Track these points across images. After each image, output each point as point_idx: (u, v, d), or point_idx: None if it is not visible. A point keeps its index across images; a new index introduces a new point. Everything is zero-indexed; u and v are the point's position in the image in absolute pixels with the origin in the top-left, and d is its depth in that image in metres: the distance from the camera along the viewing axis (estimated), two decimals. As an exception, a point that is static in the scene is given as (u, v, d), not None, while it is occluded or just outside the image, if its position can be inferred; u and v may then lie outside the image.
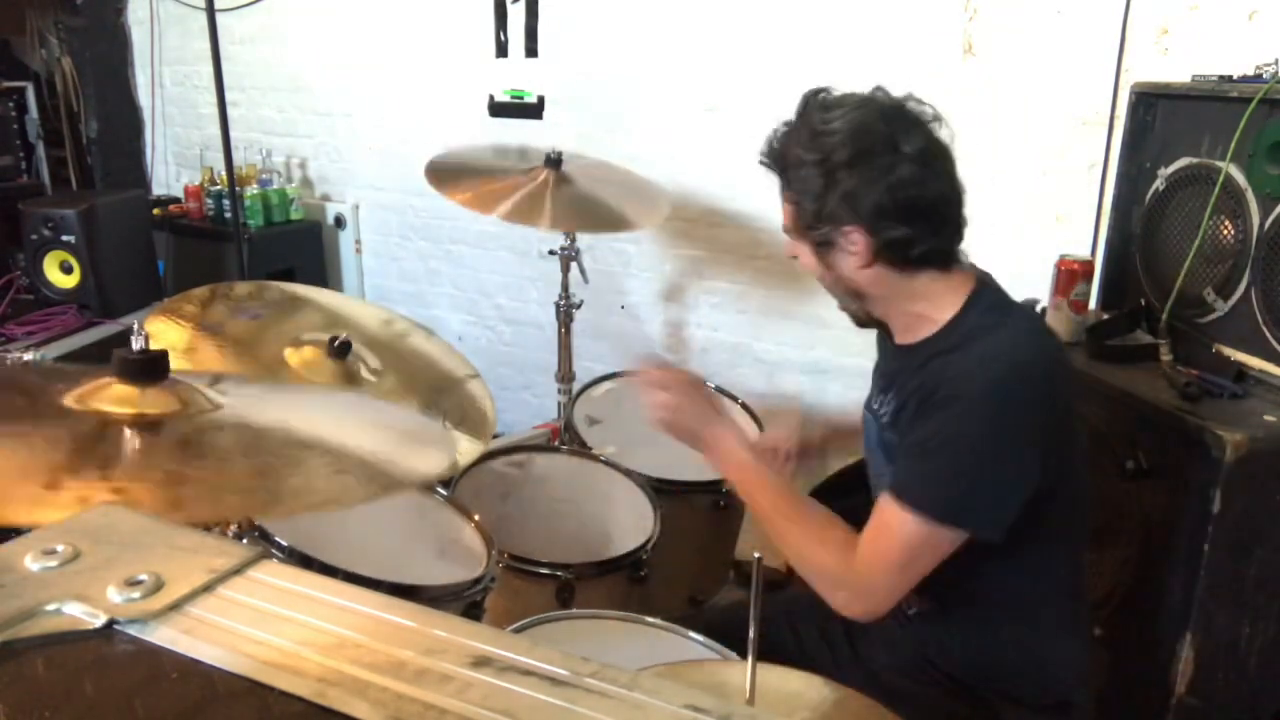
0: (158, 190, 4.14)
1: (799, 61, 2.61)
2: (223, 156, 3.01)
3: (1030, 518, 1.27)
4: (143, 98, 4.14)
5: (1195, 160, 1.80)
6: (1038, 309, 2.01)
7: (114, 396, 0.94)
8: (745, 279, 2.89)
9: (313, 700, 0.42)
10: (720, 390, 2.39)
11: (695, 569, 2.15)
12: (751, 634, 0.93)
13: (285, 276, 3.20)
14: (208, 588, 0.50)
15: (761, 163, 1.37)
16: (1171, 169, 1.86)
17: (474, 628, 0.48)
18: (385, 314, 2.02)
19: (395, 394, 1.72)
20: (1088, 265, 1.99)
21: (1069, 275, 1.96)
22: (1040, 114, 2.33)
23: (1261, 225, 1.65)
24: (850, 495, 1.61)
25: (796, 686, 1.18)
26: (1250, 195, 1.67)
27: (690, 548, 2.07)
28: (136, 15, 4.04)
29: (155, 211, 3.61)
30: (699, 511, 2.07)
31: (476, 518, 1.64)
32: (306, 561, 1.32)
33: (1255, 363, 1.68)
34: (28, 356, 2.12)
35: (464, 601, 1.42)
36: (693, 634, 1.47)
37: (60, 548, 0.52)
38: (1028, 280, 2.04)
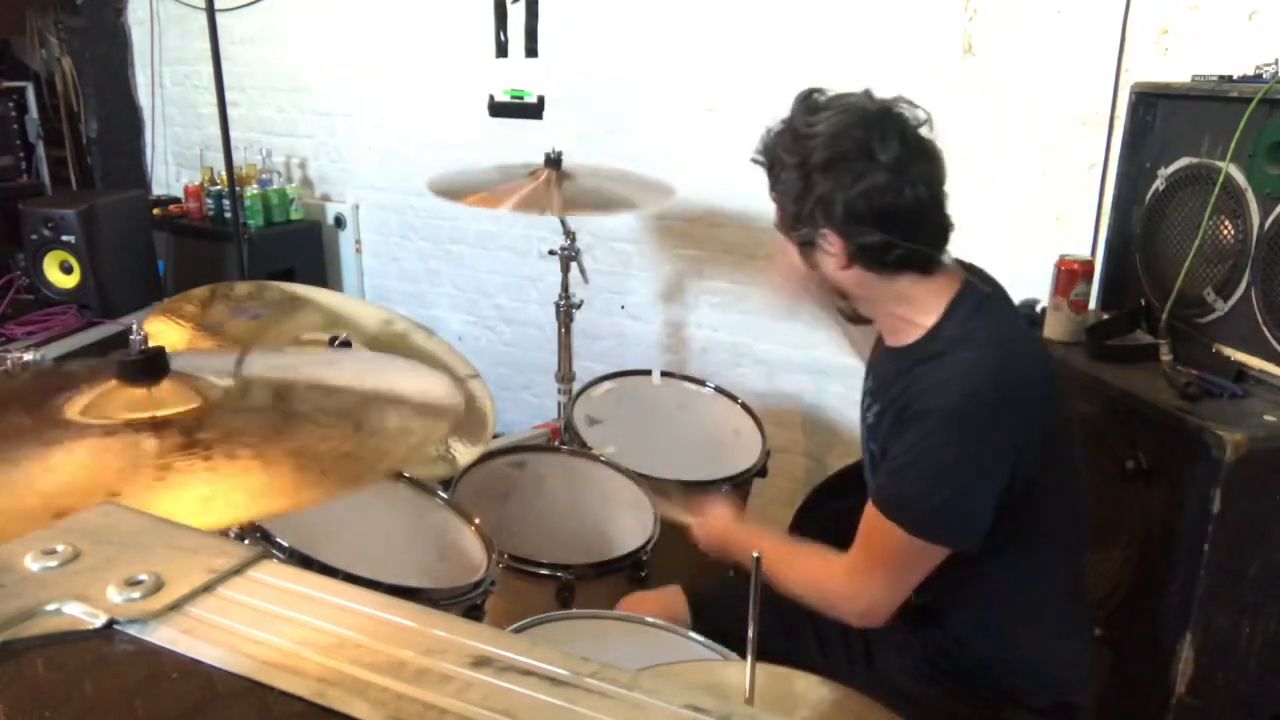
0: (158, 190, 4.14)
1: (799, 61, 2.61)
2: (223, 156, 3.01)
3: (1028, 520, 1.28)
4: (143, 98, 4.14)
5: (1195, 160, 1.80)
6: (1038, 309, 2.01)
7: (169, 394, 0.97)
8: (745, 279, 2.89)
9: (313, 700, 0.42)
10: (720, 390, 2.39)
11: (695, 569, 2.15)
12: (751, 634, 0.93)
13: (285, 276, 3.20)
14: (208, 588, 0.50)
15: (754, 160, 1.38)
16: (1171, 169, 1.86)
17: (474, 628, 0.48)
18: (385, 314, 2.02)
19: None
20: (1088, 265, 1.99)
21: (1069, 275, 1.96)
22: (1040, 114, 2.33)
23: (1261, 225, 1.65)
24: (850, 495, 1.61)
25: (796, 687, 1.18)
26: (1250, 195, 1.67)
27: (690, 548, 2.07)
28: (136, 15, 4.04)
29: (155, 211, 3.60)
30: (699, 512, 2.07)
31: (476, 521, 1.64)
32: (306, 562, 1.32)
33: (1255, 363, 1.68)
34: (28, 356, 2.12)
35: (464, 605, 1.42)
36: (692, 634, 1.47)
37: (60, 548, 0.52)
38: (1028, 280, 2.05)
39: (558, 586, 1.67)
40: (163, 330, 1.66)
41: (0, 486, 0.83)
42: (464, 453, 1.93)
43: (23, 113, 3.74)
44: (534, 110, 3.14)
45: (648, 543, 1.79)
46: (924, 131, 1.29)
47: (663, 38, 2.86)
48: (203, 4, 2.93)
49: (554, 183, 2.36)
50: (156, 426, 0.93)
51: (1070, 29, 2.25)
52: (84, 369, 1.07)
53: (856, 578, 1.32)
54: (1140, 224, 1.95)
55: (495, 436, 2.05)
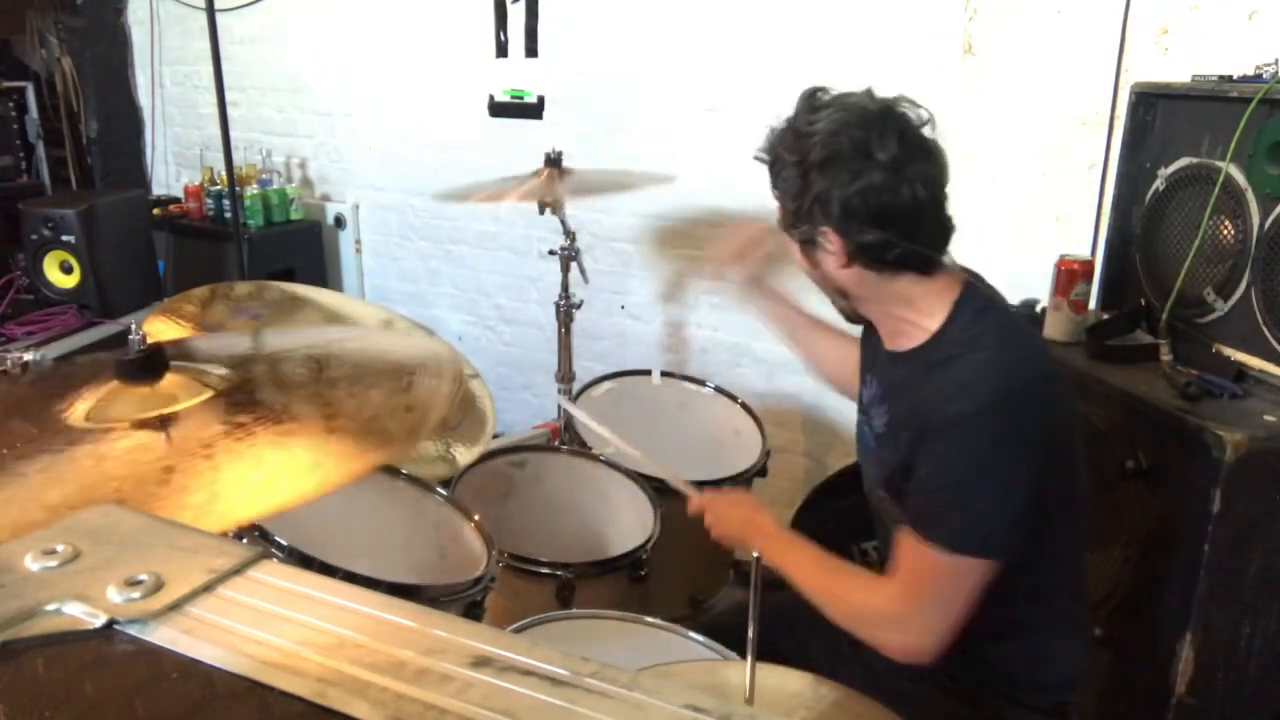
0: (158, 190, 4.14)
1: (799, 61, 2.61)
2: (223, 156, 3.01)
3: (1032, 521, 1.28)
4: (143, 98, 4.14)
5: (1195, 160, 1.80)
6: (1038, 309, 2.01)
7: (178, 388, 0.98)
8: (745, 279, 2.89)
9: (313, 700, 0.42)
10: (720, 391, 2.39)
11: (695, 569, 2.15)
12: (751, 634, 0.93)
13: (285, 276, 3.20)
14: (208, 588, 0.50)
15: (757, 158, 1.38)
16: (1171, 169, 1.86)
17: (474, 628, 0.48)
18: (385, 314, 2.02)
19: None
20: (1088, 265, 1.99)
21: (1069, 275, 1.96)
22: (1040, 114, 2.33)
23: (1261, 225, 1.65)
24: (850, 495, 1.62)
25: (796, 687, 1.18)
26: (1250, 195, 1.67)
27: (690, 548, 2.07)
28: (136, 15, 4.04)
29: (155, 211, 3.60)
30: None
31: (476, 518, 1.64)
32: (306, 561, 1.32)
33: (1255, 363, 1.68)
34: (28, 356, 2.12)
35: (464, 601, 1.42)
36: (693, 634, 1.47)
37: (60, 548, 0.52)
38: (1028, 280, 2.05)
39: (558, 586, 1.67)
40: (163, 330, 1.66)
41: (7, 500, 0.83)
42: (464, 453, 1.93)
43: (23, 113, 3.74)
44: (534, 110, 3.14)
45: (648, 542, 1.79)
46: (926, 131, 1.28)
47: (663, 38, 2.86)
48: (203, 4, 2.93)
49: (556, 180, 2.36)
50: (169, 421, 0.93)
51: (1070, 29, 2.25)
52: (84, 369, 1.07)
53: (901, 610, 1.26)
54: (1140, 224, 1.95)
55: (495, 436, 2.05)
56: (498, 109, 3.21)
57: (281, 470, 0.86)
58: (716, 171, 2.81)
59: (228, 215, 3.30)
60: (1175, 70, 2.02)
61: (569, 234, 2.53)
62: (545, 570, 1.68)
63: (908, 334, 1.35)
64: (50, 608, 0.47)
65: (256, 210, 3.52)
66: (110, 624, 0.47)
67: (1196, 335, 1.79)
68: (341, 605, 0.49)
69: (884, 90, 1.33)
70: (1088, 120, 2.27)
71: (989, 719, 1.38)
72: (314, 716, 0.41)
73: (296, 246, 3.65)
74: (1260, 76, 1.72)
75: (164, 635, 0.46)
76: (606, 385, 2.35)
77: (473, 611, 1.46)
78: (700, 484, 2.06)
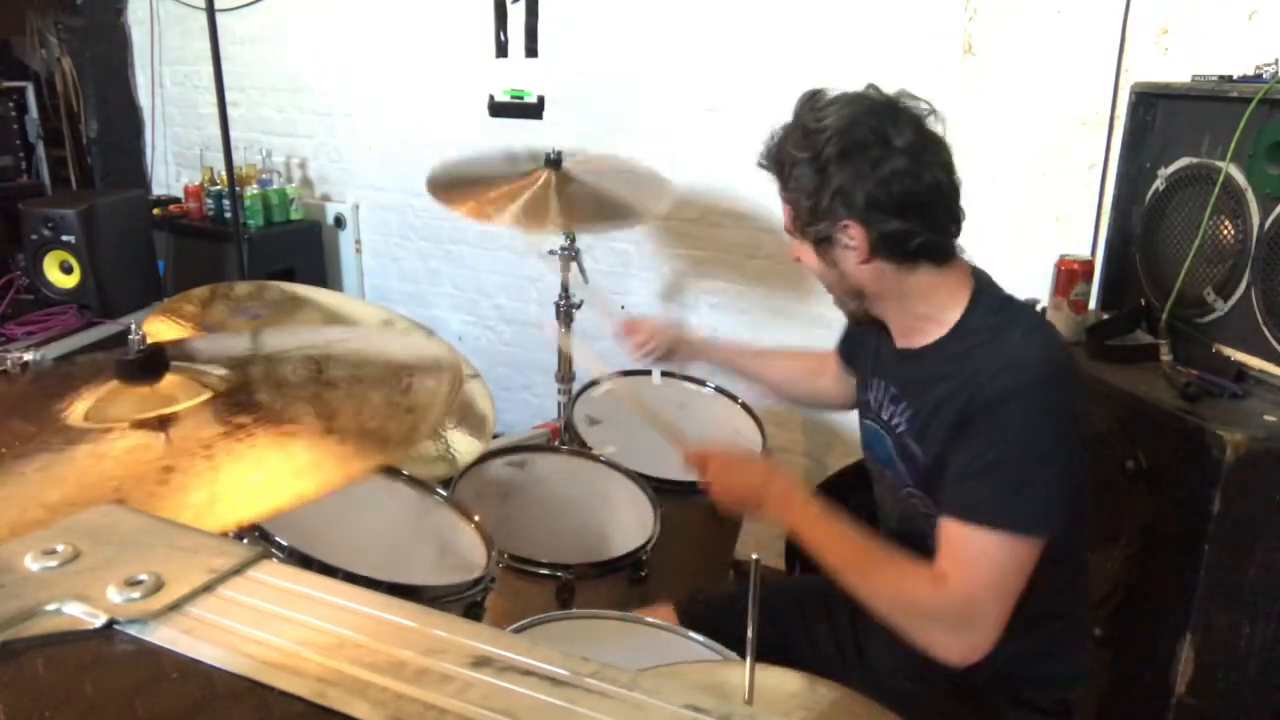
0: (158, 190, 4.14)
1: (799, 61, 2.61)
2: (223, 156, 3.01)
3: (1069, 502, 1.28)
4: (143, 98, 4.14)
5: (1195, 160, 1.80)
6: (1038, 309, 2.01)
7: (179, 389, 0.98)
8: (745, 279, 2.89)
9: (313, 700, 0.42)
10: (720, 390, 2.39)
11: (695, 569, 2.15)
12: (750, 634, 0.93)
13: (285, 276, 3.20)
14: (208, 588, 0.50)
15: (760, 165, 1.37)
16: (1171, 169, 1.86)
17: (474, 628, 0.48)
18: (385, 314, 2.02)
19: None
20: (1088, 265, 1.99)
21: (1069, 275, 1.96)
22: (1040, 114, 2.33)
23: (1261, 225, 1.65)
24: (850, 495, 1.61)
25: (795, 687, 1.18)
26: (1250, 195, 1.67)
27: (690, 548, 2.07)
28: (136, 15, 4.04)
29: (155, 211, 3.60)
30: (699, 511, 2.07)
31: (476, 518, 1.64)
32: (306, 561, 1.32)
33: (1255, 363, 1.68)
34: (28, 356, 2.12)
35: (464, 602, 1.42)
36: (693, 634, 1.47)
37: (60, 548, 0.52)
38: (1028, 280, 2.05)
39: (558, 586, 1.67)
40: (162, 330, 1.66)
41: (5, 499, 0.83)
42: (464, 453, 1.93)
43: (23, 113, 3.74)
44: (534, 110, 3.14)
45: (648, 542, 1.79)
46: (930, 122, 1.29)
47: (663, 38, 2.86)
48: (203, 4, 2.93)
49: (553, 187, 2.34)
50: (168, 422, 0.93)
51: (1070, 29, 2.25)
52: (84, 369, 1.07)
53: (961, 609, 1.20)
54: (1140, 224, 1.95)
55: (495, 436, 2.05)
56: (498, 109, 3.21)
57: (280, 472, 0.86)
58: (716, 171, 2.81)
59: (228, 215, 3.30)
60: (1175, 70, 2.02)
61: (569, 234, 2.53)
62: (545, 571, 1.68)
63: (922, 330, 1.34)
64: (50, 608, 0.47)
65: (256, 210, 3.52)
66: (110, 624, 0.47)
67: (1196, 335, 1.79)
68: (341, 605, 0.49)
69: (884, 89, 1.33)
70: (1088, 120, 2.27)
71: (991, 717, 1.38)
72: (314, 716, 0.41)
73: (296, 246, 3.65)
74: (1260, 76, 1.72)
75: (164, 635, 0.46)
76: (606, 385, 2.35)
77: (473, 612, 1.46)
78: (699, 484, 2.07)
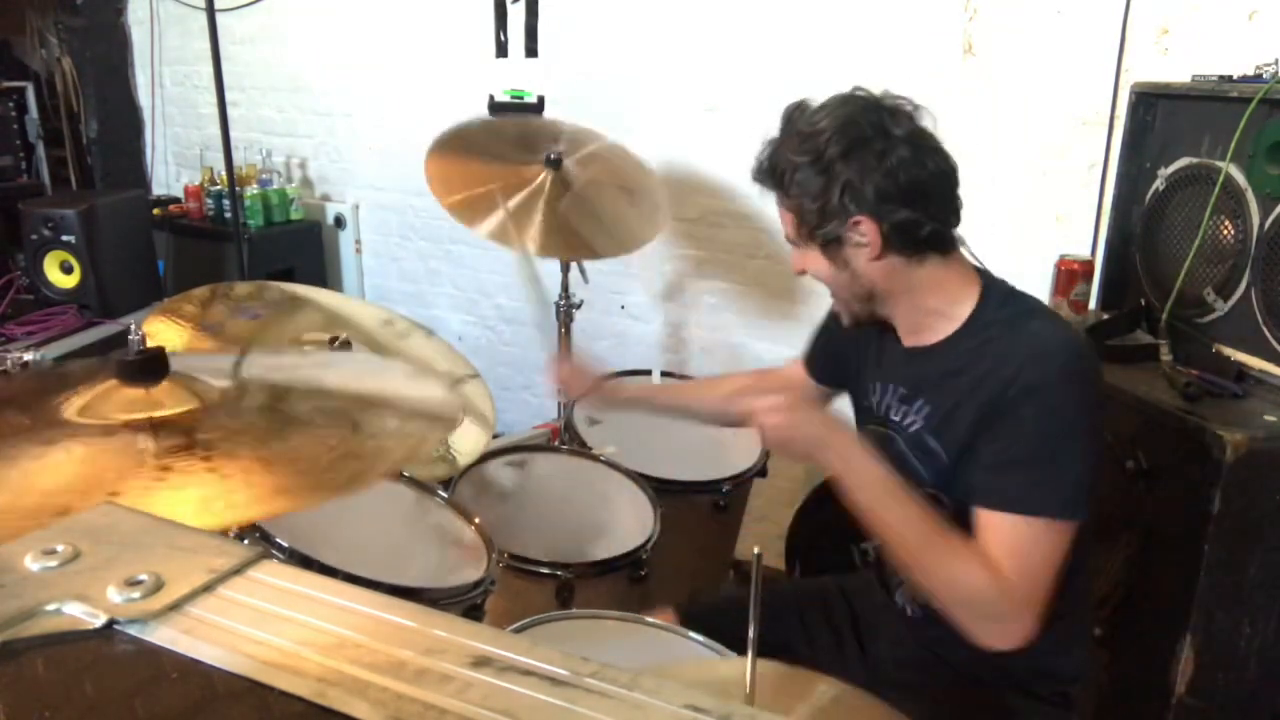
0: (158, 190, 4.14)
1: (799, 61, 2.61)
2: (223, 156, 3.01)
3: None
4: (143, 98, 4.14)
5: (1195, 160, 1.80)
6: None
7: (167, 395, 0.96)
8: (745, 279, 2.89)
9: (313, 700, 0.42)
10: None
11: (695, 569, 2.15)
12: (751, 633, 0.93)
13: (285, 276, 3.20)
14: (208, 588, 0.50)
15: (755, 180, 1.37)
16: (1171, 169, 1.86)
17: (474, 628, 0.48)
18: (385, 314, 2.02)
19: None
20: (1088, 265, 2.00)
21: (1069, 275, 1.96)
22: (1040, 114, 2.33)
23: (1261, 225, 1.65)
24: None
25: (797, 682, 1.18)
26: (1250, 195, 1.67)
27: (690, 548, 2.07)
28: (136, 15, 4.04)
29: (155, 211, 3.60)
30: (699, 511, 2.07)
31: (477, 520, 1.64)
32: (306, 561, 1.32)
33: (1255, 363, 1.68)
34: (28, 356, 2.12)
35: (464, 605, 1.42)
36: (692, 634, 1.47)
37: (60, 548, 0.52)
38: (1028, 280, 2.03)
39: (558, 586, 1.67)
40: (162, 330, 1.66)
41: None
42: (464, 453, 1.93)
43: (23, 113, 3.74)
44: (534, 110, 3.14)
45: (647, 542, 1.79)
46: (917, 116, 1.29)
47: (663, 38, 2.86)
48: (203, 4, 2.93)
49: (545, 194, 2.31)
50: (154, 427, 0.93)
51: (1070, 29, 2.25)
52: (82, 370, 1.07)
53: (1019, 600, 1.20)
54: (1140, 224, 1.95)
55: (495, 436, 2.05)
56: (498, 109, 3.21)
57: (218, 493, 0.85)
58: (716, 171, 2.81)
59: (228, 215, 3.30)
60: (1175, 70, 2.02)
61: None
62: (545, 571, 1.68)
63: (932, 326, 1.34)
64: (50, 608, 0.47)
65: (256, 210, 3.52)
66: (110, 624, 0.47)
67: (1196, 335, 1.79)
68: (341, 605, 0.49)
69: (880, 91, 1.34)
70: (1088, 120, 2.27)
71: (993, 709, 1.38)
72: (314, 716, 0.41)
73: (296, 246, 3.65)
74: (1260, 76, 1.72)
75: (164, 635, 0.46)
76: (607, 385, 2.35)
77: (473, 615, 1.46)
78: (699, 484, 2.07)
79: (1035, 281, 2.02)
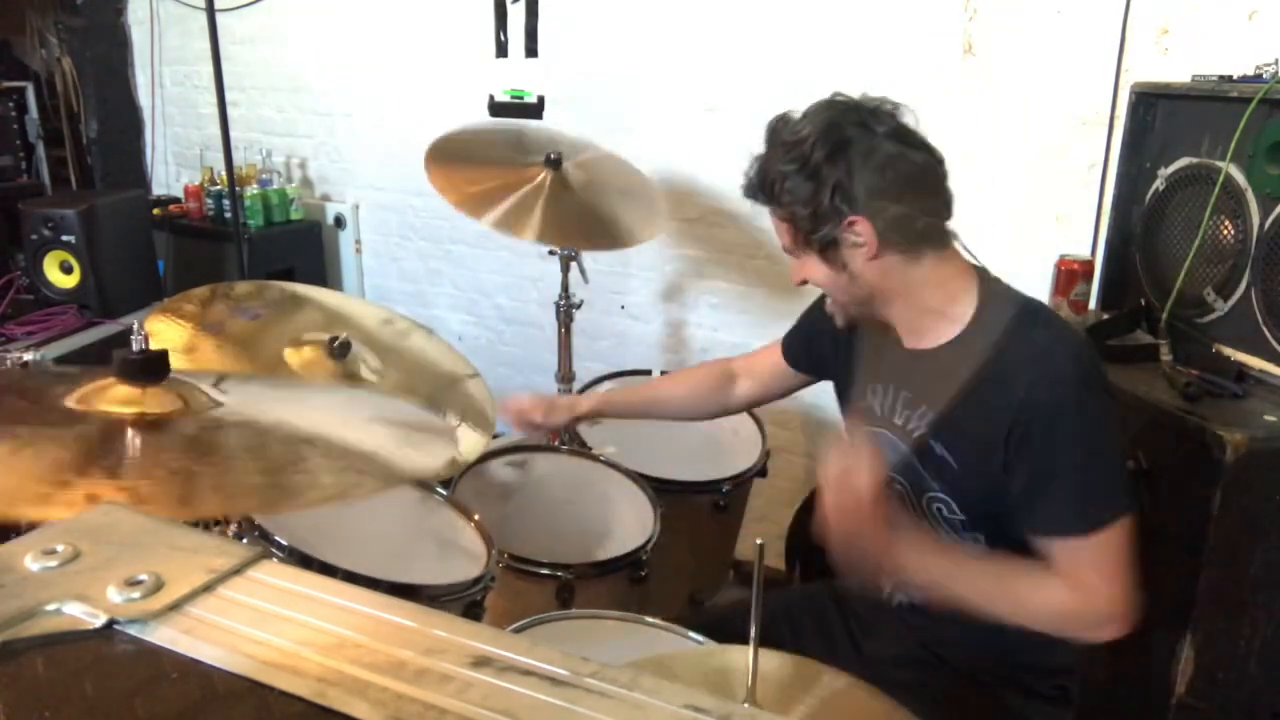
0: (158, 190, 4.14)
1: (799, 61, 2.61)
2: (223, 156, 3.01)
3: None
4: (143, 98, 4.14)
5: (1195, 160, 1.80)
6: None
7: (117, 397, 0.94)
8: (745, 279, 2.89)
9: (313, 700, 0.42)
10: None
11: (695, 569, 2.15)
12: (754, 631, 0.93)
13: (285, 276, 3.20)
14: (208, 588, 0.50)
15: (746, 195, 1.38)
16: (1171, 169, 1.86)
17: (474, 628, 0.48)
18: (385, 313, 2.02)
19: (396, 393, 1.72)
20: (1088, 265, 1.99)
21: (1069, 275, 1.96)
22: (1040, 114, 2.33)
23: (1261, 225, 1.65)
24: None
25: (799, 674, 1.18)
26: (1250, 195, 1.67)
27: (690, 548, 2.07)
28: (136, 15, 4.04)
29: (155, 211, 3.60)
30: (699, 511, 2.07)
31: (476, 518, 1.64)
32: (306, 561, 1.32)
33: (1255, 363, 1.68)
34: (28, 356, 2.12)
35: (464, 601, 1.42)
36: (693, 634, 1.47)
37: (60, 548, 0.52)
38: (1028, 280, 2.03)
39: (558, 586, 1.67)
40: (163, 329, 1.65)
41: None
42: (464, 453, 1.93)
43: (23, 113, 3.74)
44: (534, 110, 3.14)
45: (648, 542, 1.79)
46: (899, 114, 1.30)
47: (663, 38, 2.86)
48: (203, 4, 2.93)
49: (546, 192, 2.32)
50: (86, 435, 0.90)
51: (1070, 29, 2.25)
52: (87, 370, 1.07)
53: (1114, 602, 1.22)
54: (1140, 224, 1.95)
55: (495, 436, 2.05)
56: (498, 109, 3.21)
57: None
58: (716, 171, 2.81)
59: (228, 215, 3.30)
60: (1175, 70, 2.02)
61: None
62: (545, 570, 1.68)
63: (933, 327, 1.35)
64: (50, 608, 0.47)
65: (256, 210, 3.52)
66: (110, 624, 0.47)
67: (1196, 335, 1.79)
68: (341, 605, 0.49)
69: (881, 91, 1.34)
70: (1088, 120, 2.27)
71: (992, 704, 1.38)
72: (314, 716, 0.41)
73: (296, 246, 3.65)
74: (1260, 76, 1.72)
75: (164, 635, 0.46)
76: (606, 385, 2.35)
77: (472, 611, 1.46)
78: (699, 484, 2.07)
79: (1035, 281, 2.02)
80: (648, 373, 2.46)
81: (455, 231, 3.49)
